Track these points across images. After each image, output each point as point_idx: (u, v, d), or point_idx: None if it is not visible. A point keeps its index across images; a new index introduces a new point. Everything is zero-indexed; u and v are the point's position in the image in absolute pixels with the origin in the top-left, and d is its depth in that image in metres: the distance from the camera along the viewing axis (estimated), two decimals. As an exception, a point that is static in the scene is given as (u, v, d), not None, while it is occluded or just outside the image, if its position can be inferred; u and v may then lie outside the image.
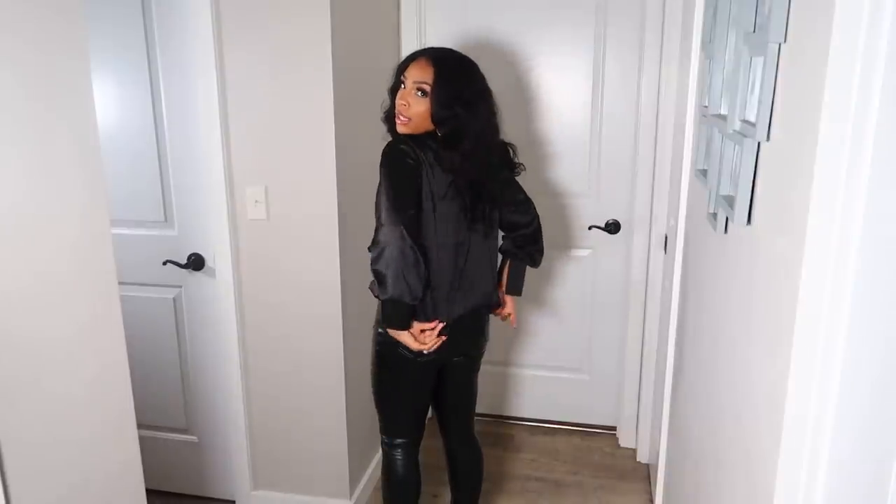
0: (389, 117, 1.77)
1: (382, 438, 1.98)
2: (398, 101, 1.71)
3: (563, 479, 2.61)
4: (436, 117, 1.68)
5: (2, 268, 1.06)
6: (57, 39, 1.17)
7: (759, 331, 1.00)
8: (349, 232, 2.18)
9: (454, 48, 1.79)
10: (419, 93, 1.67)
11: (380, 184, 1.68)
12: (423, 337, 1.76)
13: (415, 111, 1.68)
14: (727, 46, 1.21)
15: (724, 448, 1.21)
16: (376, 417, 1.97)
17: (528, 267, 1.96)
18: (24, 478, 1.11)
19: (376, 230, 1.68)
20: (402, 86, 1.71)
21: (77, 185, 1.22)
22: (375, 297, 1.75)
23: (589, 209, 2.71)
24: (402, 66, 1.74)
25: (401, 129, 1.71)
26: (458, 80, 1.69)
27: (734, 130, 1.10)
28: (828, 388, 0.74)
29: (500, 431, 2.95)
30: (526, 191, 1.94)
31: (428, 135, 1.72)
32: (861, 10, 0.67)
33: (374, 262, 1.67)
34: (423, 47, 1.88)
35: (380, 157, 1.69)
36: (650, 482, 2.51)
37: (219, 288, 2.22)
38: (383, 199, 1.66)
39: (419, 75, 1.68)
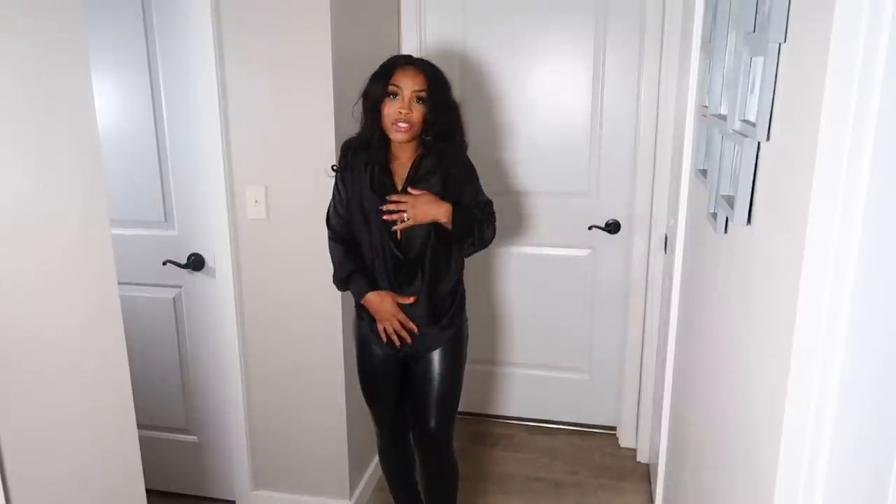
0: (374, 125, 1.74)
1: None
2: (398, 111, 1.70)
3: (562, 479, 2.61)
4: (433, 121, 1.73)
5: (2, 268, 1.06)
6: (57, 41, 1.17)
7: (758, 331, 1.00)
8: (349, 232, 2.18)
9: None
10: (418, 101, 1.71)
11: (478, 188, 1.86)
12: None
13: (415, 118, 1.71)
14: (727, 46, 1.21)
15: (724, 448, 1.21)
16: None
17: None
18: (24, 477, 1.11)
19: (492, 225, 1.86)
20: (394, 95, 1.70)
21: (77, 185, 1.22)
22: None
23: (589, 209, 2.71)
24: (386, 75, 1.71)
25: (400, 136, 1.72)
26: (445, 86, 1.78)
27: (734, 130, 1.10)
28: (828, 389, 0.74)
29: (500, 431, 2.95)
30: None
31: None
32: (861, 10, 0.67)
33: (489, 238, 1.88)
34: (396, 54, 1.85)
35: (463, 161, 1.82)
36: (650, 482, 2.51)
37: (219, 288, 2.22)
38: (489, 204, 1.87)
39: (414, 84, 1.70)
